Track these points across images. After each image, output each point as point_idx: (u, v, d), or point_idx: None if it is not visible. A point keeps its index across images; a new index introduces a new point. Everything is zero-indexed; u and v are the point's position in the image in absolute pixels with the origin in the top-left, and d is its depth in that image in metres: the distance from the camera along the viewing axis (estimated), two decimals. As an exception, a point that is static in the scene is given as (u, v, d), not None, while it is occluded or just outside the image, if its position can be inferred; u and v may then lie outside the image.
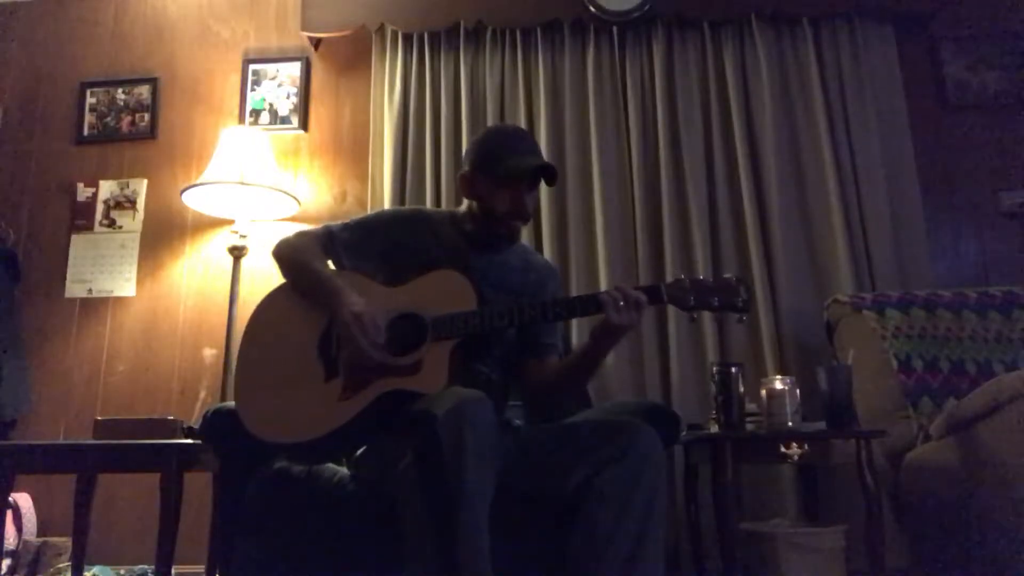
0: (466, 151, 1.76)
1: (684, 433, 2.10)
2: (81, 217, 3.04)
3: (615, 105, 2.89)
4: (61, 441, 2.61)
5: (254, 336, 1.61)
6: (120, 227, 3.02)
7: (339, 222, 1.73)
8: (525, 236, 2.72)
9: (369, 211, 2.76)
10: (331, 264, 1.68)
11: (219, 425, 1.67)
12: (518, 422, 1.72)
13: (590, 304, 1.48)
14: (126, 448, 1.99)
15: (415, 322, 1.52)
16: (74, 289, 2.98)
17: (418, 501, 1.26)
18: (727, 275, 1.53)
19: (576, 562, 1.31)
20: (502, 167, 1.60)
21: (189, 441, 2.01)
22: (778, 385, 2.02)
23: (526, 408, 1.86)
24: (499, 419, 1.55)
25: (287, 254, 1.67)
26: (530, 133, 2.84)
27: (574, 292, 2.65)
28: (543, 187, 2.69)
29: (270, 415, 1.49)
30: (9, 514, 2.43)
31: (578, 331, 2.54)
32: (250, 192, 2.70)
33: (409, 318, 1.53)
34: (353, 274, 1.64)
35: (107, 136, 3.12)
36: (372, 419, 1.47)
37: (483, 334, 1.53)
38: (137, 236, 3.01)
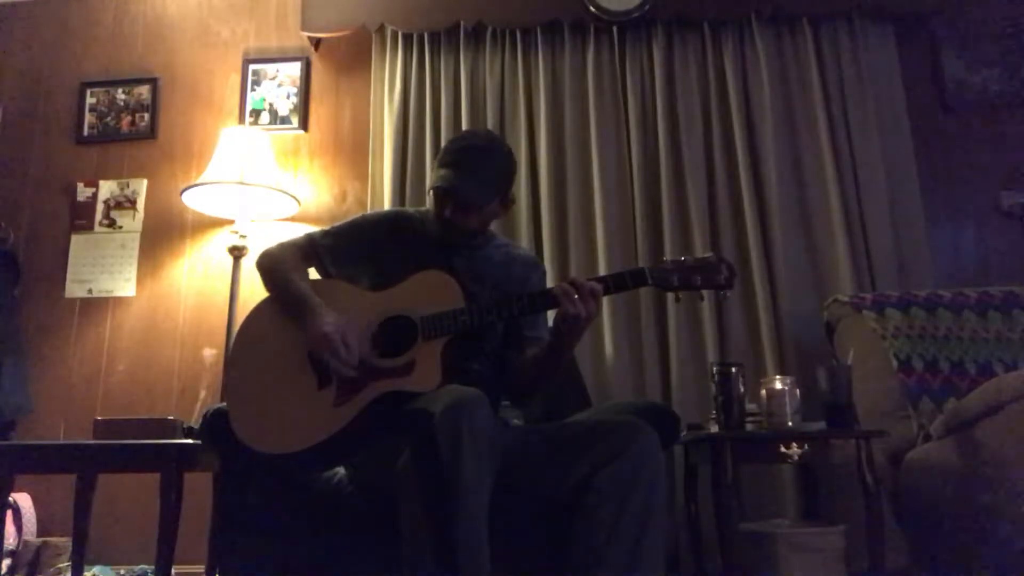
0: None
1: (684, 433, 2.10)
2: (81, 217, 3.04)
3: (615, 105, 2.88)
4: (61, 441, 2.61)
5: (245, 347, 1.61)
6: (120, 227, 3.02)
7: (320, 229, 1.74)
8: (525, 237, 2.73)
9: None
10: (315, 273, 1.69)
11: (218, 426, 1.66)
12: (516, 421, 1.72)
13: (548, 299, 1.51)
14: (126, 448, 1.99)
15: (405, 323, 1.53)
16: (74, 289, 2.98)
17: (416, 500, 1.26)
18: (708, 254, 1.57)
19: (575, 561, 1.31)
20: (432, 175, 1.66)
21: (189, 441, 2.01)
22: (778, 385, 2.02)
23: (514, 403, 1.86)
24: (496, 416, 1.56)
25: (267, 267, 1.68)
26: (531, 135, 2.86)
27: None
28: (543, 186, 2.76)
29: (266, 427, 1.49)
30: (9, 514, 2.43)
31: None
32: (250, 192, 2.70)
33: (398, 320, 1.54)
34: (337, 282, 1.65)
35: (107, 136, 3.12)
36: (369, 422, 1.47)
37: (472, 330, 1.54)
38: (137, 236, 3.01)
